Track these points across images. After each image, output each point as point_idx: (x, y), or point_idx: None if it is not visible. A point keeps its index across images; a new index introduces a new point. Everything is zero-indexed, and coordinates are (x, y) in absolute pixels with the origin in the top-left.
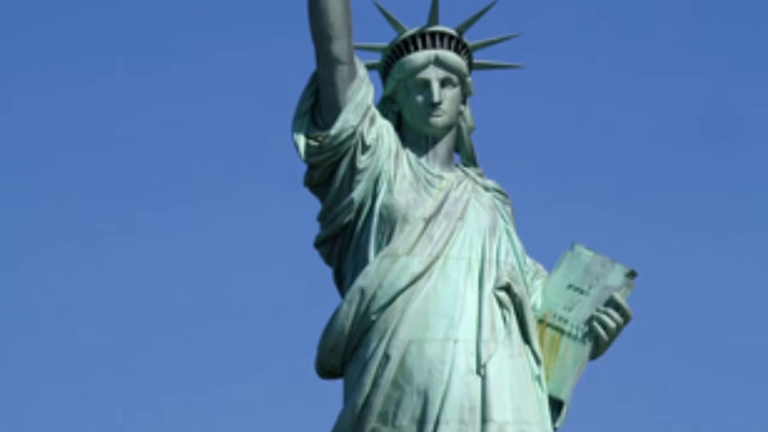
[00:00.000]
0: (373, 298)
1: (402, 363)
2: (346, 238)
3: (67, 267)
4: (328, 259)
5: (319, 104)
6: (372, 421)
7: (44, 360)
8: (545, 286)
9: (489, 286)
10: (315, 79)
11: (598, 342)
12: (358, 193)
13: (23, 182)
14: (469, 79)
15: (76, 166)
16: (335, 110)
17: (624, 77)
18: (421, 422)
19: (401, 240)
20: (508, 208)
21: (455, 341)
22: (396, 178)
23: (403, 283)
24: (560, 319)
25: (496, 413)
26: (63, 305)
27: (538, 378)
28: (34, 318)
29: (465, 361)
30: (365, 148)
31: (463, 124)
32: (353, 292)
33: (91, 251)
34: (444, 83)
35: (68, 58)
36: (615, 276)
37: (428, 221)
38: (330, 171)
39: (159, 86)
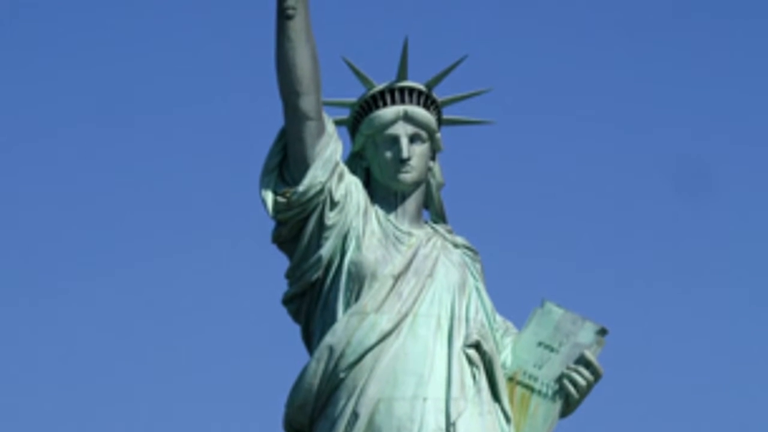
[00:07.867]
0: (341, 355)
1: (371, 421)
2: (314, 296)
3: (32, 322)
4: (296, 316)
5: (287, 160)
6: None
7: (9, 416)
8: (515, 343)
9: (458, 343)
10: (283, 134)
11: (568, 400)
12: (326, 250)
13: None
14: (438, 135)
15: (43, 220)
16: (303, 166)
17: (595, 133)
18: None
19: (370, 297)
20: (478, 265)
21: (424, 399)
22: (365, 234)
23: (371, 340)
24: (530, 377)
25: None
26: (30, 361)
27: None
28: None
29: (434, 419)
30: (334, 204)
31: (432, 181)
32: (321, 350)
33: (56, 307)
34: (413, 139)
35: (30, 110)
36: (585, 333)
37: (397, 278)
38: (298, 227)
39: (124, 140)
